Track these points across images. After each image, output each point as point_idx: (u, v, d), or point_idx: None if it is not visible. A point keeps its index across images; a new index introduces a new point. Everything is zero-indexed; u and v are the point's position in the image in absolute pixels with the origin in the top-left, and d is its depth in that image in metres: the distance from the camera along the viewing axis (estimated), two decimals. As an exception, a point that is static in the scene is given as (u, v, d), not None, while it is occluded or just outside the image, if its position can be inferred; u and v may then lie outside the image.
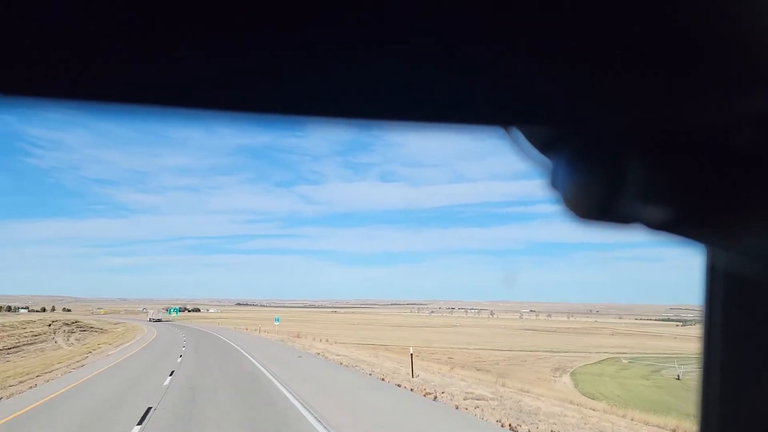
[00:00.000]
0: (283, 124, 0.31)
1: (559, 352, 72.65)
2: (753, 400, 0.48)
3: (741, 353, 0.48)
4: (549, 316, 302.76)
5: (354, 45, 0.28)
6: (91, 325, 75.17)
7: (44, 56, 0.27)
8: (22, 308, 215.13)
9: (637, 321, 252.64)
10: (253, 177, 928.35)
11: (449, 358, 53.57)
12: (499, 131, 0.38)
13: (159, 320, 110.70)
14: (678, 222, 0.35)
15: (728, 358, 0.49)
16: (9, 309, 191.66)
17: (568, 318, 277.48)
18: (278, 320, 56.10)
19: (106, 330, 69.42)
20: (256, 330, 65.76)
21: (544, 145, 0.39)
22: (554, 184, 0.39)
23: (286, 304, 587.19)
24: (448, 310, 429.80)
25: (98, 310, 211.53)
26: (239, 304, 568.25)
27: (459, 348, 69.12)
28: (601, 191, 0.36)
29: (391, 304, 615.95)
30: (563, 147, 0.38)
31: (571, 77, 0.31)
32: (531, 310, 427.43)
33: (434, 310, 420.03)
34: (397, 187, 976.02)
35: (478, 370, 36.95)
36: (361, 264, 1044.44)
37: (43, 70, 0.28)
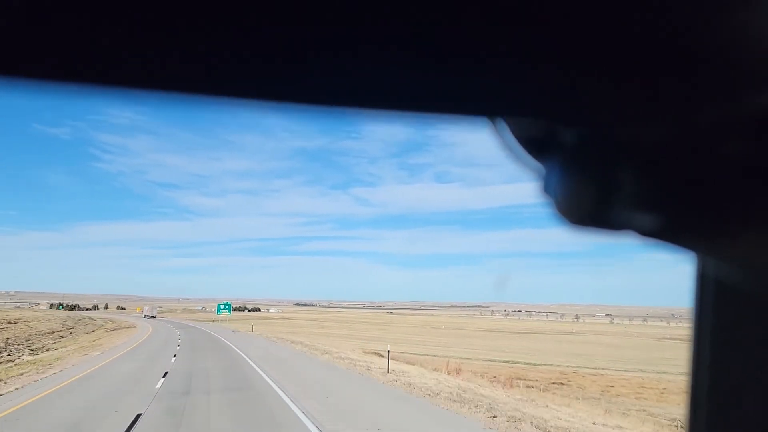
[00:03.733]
0: (272, 110, 0.31)
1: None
2: (741, 406, 0.48)
3: (729, 359, 0.49)
4: (645, 320, 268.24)
5: (336, 27, 0.28)
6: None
7: (100, 42, 0.27)
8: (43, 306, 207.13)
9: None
10: (309, 179, 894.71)
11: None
12: (486, 123, 0.38)
13: (153, 317, 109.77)
14: (669, 229, 0.35)
15: (717, 364, 0.50)
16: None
17: (668, 324, 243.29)
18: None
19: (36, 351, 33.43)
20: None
21: (537, 150, 0.39)
22: (547, 190, 0.39)
23: (343, 305, 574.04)
24: (515, 312, 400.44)
25: (142, 308, 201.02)
26: (298, 304, 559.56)
27: (660, 373, 44.27)
28: (593, 198, 0.36)
29: (450, 306, 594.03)
30: (556, 153, 0.38)
31: (562, 79, 0.31)
32: (607, 314, 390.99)
33: (508, 312, 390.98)
34: (452, 188, 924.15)
35: None
36: (416, 266, 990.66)
37: (99, 55, 0.28)
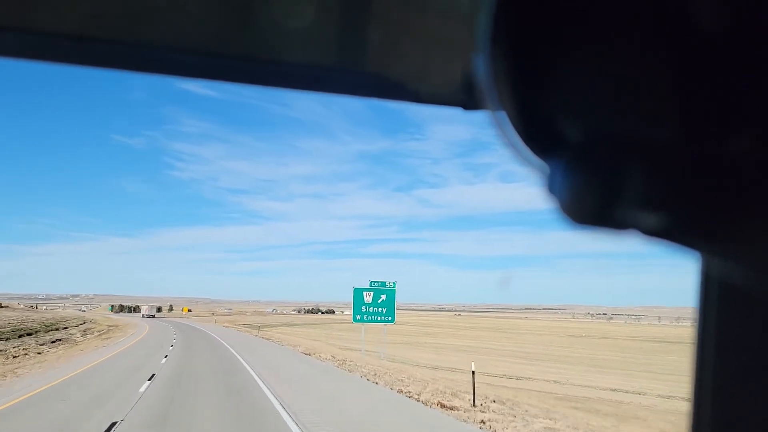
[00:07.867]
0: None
1: None
2: (744, 404, 0.49)
3: (733, 358, 0.50)
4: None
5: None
6: None
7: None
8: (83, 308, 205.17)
9: None
10: (373, 182, 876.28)
11: None
12: (489, 117, 0.37)
13: (152, 316, 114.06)
14: (673, 229, 0.35)
15: (720, 362, 0.50)
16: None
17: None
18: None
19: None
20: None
21: (541, 148, 0.39)
22: (551, 189, 0.39)
23: (412, 308, 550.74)
24: (601, 315, 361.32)
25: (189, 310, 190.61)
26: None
27: None
28: (597, 198, 0.36)
29: (525, 309, 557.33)
30: (560, 151, 0.38)
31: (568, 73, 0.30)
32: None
33: (612, 316, 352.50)
34: (518, 188, 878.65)
35: None
36: (484, 267, 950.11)
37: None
